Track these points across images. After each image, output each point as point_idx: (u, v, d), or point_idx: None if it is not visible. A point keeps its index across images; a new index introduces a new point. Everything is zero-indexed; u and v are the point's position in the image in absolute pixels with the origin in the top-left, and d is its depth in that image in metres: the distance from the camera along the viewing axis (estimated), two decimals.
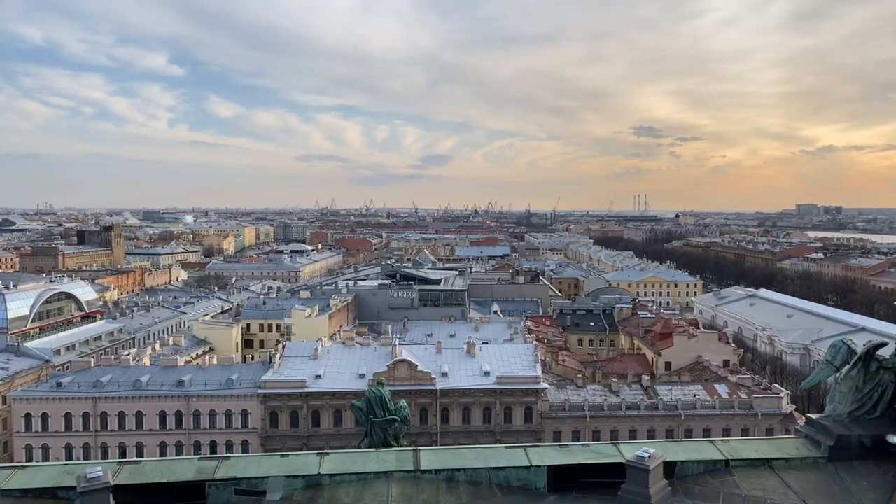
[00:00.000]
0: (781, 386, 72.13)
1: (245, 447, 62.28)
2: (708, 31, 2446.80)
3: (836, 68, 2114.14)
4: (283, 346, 70.45)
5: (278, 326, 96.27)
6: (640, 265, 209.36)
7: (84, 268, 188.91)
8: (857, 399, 13.92)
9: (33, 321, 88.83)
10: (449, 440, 61.40)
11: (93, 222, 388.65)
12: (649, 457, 11.54)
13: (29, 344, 79.81)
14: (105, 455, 61.21)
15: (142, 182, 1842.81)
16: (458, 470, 12.48)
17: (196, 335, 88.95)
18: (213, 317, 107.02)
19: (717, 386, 68.54)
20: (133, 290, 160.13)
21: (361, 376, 63.59)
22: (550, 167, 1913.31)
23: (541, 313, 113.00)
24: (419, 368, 64.55)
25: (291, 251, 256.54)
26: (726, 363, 79.71)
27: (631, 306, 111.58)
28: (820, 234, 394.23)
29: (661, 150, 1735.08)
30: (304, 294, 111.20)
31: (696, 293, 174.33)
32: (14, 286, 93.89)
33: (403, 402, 18.84)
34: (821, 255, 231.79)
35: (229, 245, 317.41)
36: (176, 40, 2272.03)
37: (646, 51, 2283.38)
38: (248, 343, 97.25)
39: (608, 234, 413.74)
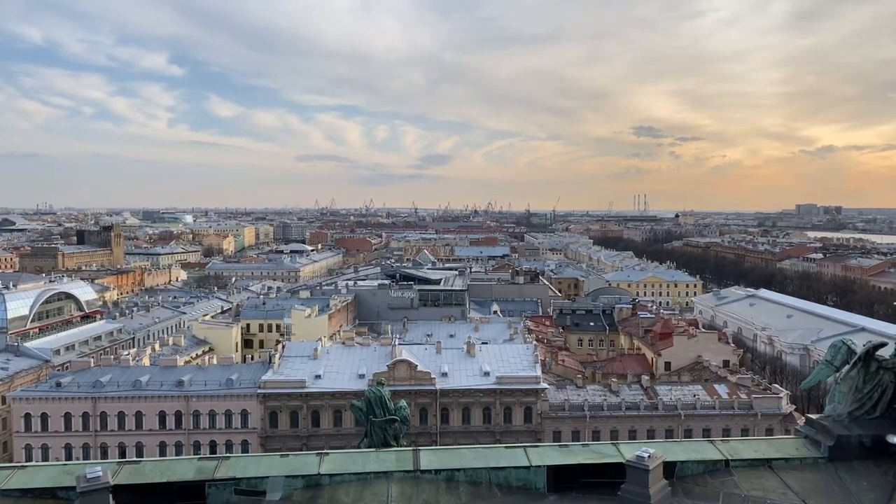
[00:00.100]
0: (781, 386, 72.14)
1: (245, 447, 62.27)
2: (708, 31, 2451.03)
3: (836, 68, 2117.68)
4: (283, 346, 70.45)
5: (278, 326, 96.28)
6: (640, 265, 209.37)
7: (84, 268, 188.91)
8: (856, 399, 13.92)
9: (33, 321, 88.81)
10: (449, 440, 61.40)
11: (92, 222, 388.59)
12: (649, 457, 11.53)
13: (28, 344, 79.79)
14: (105, 455, 61.19)
15: (141, 182, 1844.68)
16: (458, 470, 12.48)
17: (196, 335, 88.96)
18: (212, 317, 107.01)
19: (716, 386, 68.55)
20: (133, 290, 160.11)
21: (361, 376, 63.59)
22: (550, 167, 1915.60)
23: (540, 313, 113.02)
24: (419, 368, 64.55)
25: (291, 251, 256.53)
26: (726, 363, 79.73)
27: (631, 306, 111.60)
28: (820, 235, 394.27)
29: (661, 150, 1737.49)
30: (304, 294, 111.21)
31: (695, 293, 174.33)
32: (14, 286, 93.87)
33: (403, 402, 18.84)
34: (820, 256, 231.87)
35: (229, 245, 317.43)
36: (176, 40, 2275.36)
37: (646, 51, 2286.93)
38: (247, 343, 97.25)
39: (608, 234, 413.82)
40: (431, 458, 12.93)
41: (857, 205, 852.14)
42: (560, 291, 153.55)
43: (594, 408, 64.18)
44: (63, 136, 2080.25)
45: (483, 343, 72.91)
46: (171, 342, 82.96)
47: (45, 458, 59.69)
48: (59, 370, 71.19)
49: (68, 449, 61.48)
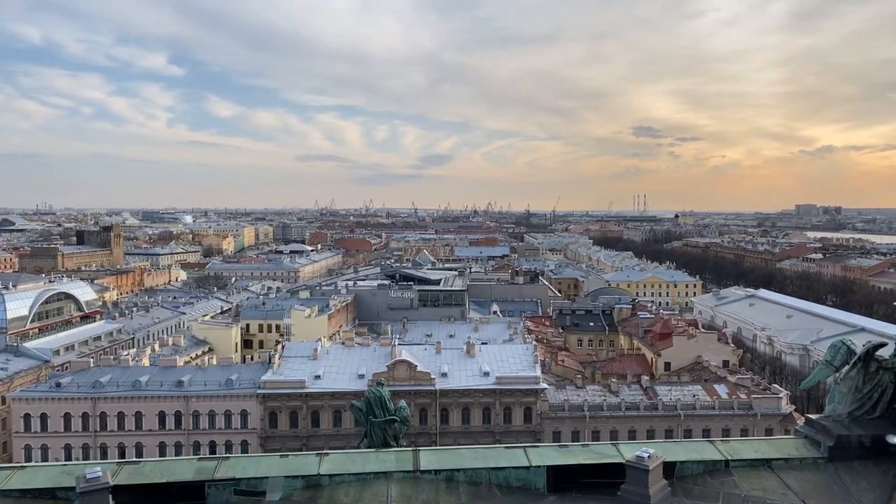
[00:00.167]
0: (781, 386, 72.18)
1: (244, 447, 62.26)
2: (708, 31, 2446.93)
3: (836, 68, 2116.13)
4: (283, 347, 70.45)
5: (278, 327, 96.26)
6: (640, 265, 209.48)
7: (83, 268, 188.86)
8: (856, 399, 13.93)
9: (32, 321, 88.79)
10: (448, 440, 61.40)
11: (92, 222, 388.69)
12: (649, 457, 11.53)
13: (28, 344, 79.77)
14: (104, 455, 61.18)
15: (141, 182, 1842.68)
16: (458, 470, 12.48)
17: (195, 335, 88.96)
18: (212, 317, 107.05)
19: (716, 386, 68.57)
20: (132, 291, 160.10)
21: (361, 376, 63.59)
22: (550, 167, 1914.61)
23: (540, 313, 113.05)
24: (419, 369, 64.56)
25: (291, 251, 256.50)
26: (725, 363, 79.75)
27: (630, 306, 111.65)
28: (819, 235, 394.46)
29: (661, 151, 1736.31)
30: (304, 294, 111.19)
31: (695, 293, 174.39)
32: (13, 286, 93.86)
33: (403, 403, 18.83)
34: (820, 256, 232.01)
35: (228, 245, 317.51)
36: (175, 40, 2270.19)
37: (646, 51, 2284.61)
38: (247, 343, 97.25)
39: (607, 235, 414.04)
40: (431, 458, 12.93)
41: (857, 205, 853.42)
42: (560, 292, 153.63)
43: (594, 408, 64.20)
44: (62, 136, 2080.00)
45: (483, 343, 72.92)
46: (170, 342, 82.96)
47: (45, 459, 59.66)
48: (58, 370, 71.16)
49: (68, 449, 61.46)
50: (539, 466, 12.45)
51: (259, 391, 63.16)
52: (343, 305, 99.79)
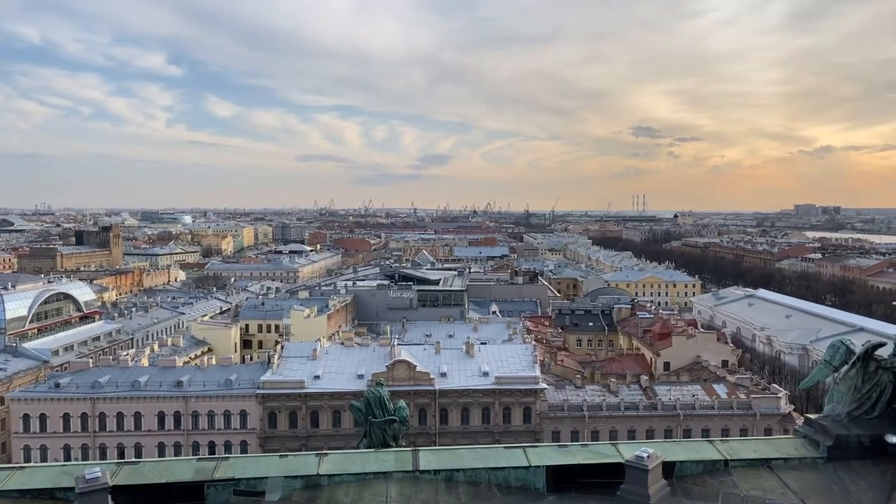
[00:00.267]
0: (780, 386, 72.18)
1: (244, 448, 62.24)
2: (707, 31, 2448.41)
3: (835, 68, 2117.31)
4: (282, 347, 70.44)
5: (277, 327, 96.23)
6: (639, 265, 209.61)
7: (82, 268, 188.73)
8: (855, 399, 13.93)
9: (31, 322, 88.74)
10: (448, 440, 61.41)
11: (91, 223, 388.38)
12: (648, 457, 11.54)
13: (27, 344, 79.73)
14: (103, 456, 61.16)
15: (140, 182, 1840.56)
16: (457, 470, 12.48)
17: (195, 336, 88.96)
18: (211, 317, 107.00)
19: (715, 386, 68.61)
20: (131, 291, 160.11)
21: (360, 377, 63.59)
22: (549, 167, 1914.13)
23: (539, 313, 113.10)
24: (418, 369, 64.56)
25: (290, 251, 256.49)
26: (725, 363, 79.84)
27: (629, 306, 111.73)
28: (818, 235, 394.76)
29: (660, 151, 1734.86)
30: (303, 294, 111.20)
31: (694, 293, 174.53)
32: (12, 287, 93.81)
33: (402, 403, 18.82)
34: (819, 256, 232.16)
35: (228, 245, 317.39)
36: (174, 40, 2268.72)
37: (645, 51, 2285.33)
38: (246, 343, 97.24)
39: (607, 235, 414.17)
40: (430, 458, 12.93)
41: (856, 205, 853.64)
42: (559, 292, 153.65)
43: (593, 408, 64.23)
44: (61, 136, 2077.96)
45: (482, 343, 72.94)
46: (169, 343, 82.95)
47: (44, 459, 59.64)
48: (57, 371, 71.13)
49: (67, 450, 61.44)
50: (538, 466, 12.45)
51: (258, 391, 63.15)
52: (342, 305, 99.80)
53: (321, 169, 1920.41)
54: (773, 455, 13.30)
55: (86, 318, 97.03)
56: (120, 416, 62.17)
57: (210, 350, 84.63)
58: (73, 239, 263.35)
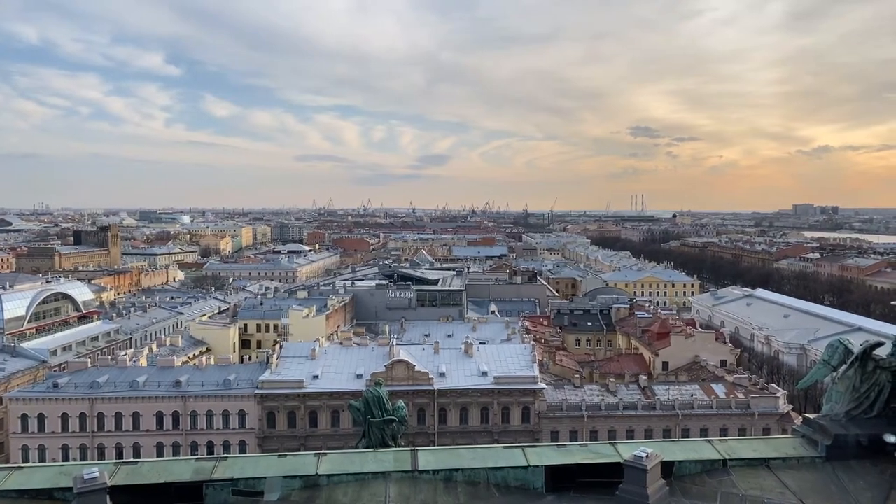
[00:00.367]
0: (778, 386, 72.28)
1: (242, 447, 62.20)
2: (706, 31, 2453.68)
3: (834, 68, 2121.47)
4: (281, 347, 70.38)
5: (276, 327, 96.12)
6: (638, 265, 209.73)
7: (81, 268, 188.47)
8: (854, 399, 13.94)
9: (30, 322, 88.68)
10: (447, 440, 61.40)
11: (89, 222, 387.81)
12: (647, 457, 11.53)
13: (25, 344, 79.62)
14: (102, 456, 61.10)
15: (138, 182, 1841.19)
16: (456, 470, 12.47)
17: (193, 335, 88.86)
18: (210, 317, 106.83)
19: (714, 386, 68.66)
20: (130, 291, 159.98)
21: (359, 376, 63.56)
22: (548, 167, 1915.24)
23: (538, 313, 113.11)
24: (417, 369, 64.54)
25: (289, 251, 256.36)
26: (723, 363, 79.92)
27: (628, 306, 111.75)
28: (816, 235, 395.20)
29: (659, 151, 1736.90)
30: (302, 294, 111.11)
31: (693, 293, 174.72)
32: (10, 286, 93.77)
33: (401, 403, 18.81)
34: (817, 255, 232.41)
35: (226, 245, 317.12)
36: (172, 40, 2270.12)
37: (644, 51, 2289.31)
38: (245, 343, 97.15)
39: (605, 235, 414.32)
40: (429, 458, 12.92)
41: (854, 205, 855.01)
42: (558, 291, 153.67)
43: (592, 408, 64.24)
44: (59, 136, 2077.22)
45: (481, 343, 72.95)
46: (168, 342, 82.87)
47: (42, 459, 59.60)
48: (55, 371, 71.04)
49: (65, 450, 61.37)
50: (537, 466, 12.45)
51: (257, 391, 63.10)
52: (341, 305, 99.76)
53: (320, 169, 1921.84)
54: (771, 455, 13.31)
55: (84, 318, 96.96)
56: (118, 416, 62.10)
57: (208, 350, 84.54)
58: (72, 239, 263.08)
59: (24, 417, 62.04)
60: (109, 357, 74.45)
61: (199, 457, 13.89)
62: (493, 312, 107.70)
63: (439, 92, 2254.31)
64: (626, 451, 12.35)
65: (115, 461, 12.86)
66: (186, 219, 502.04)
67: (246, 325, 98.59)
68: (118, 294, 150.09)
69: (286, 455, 13.30)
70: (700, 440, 14.17)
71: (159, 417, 62.40)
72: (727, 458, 13.02)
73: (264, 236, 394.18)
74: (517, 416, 64.30)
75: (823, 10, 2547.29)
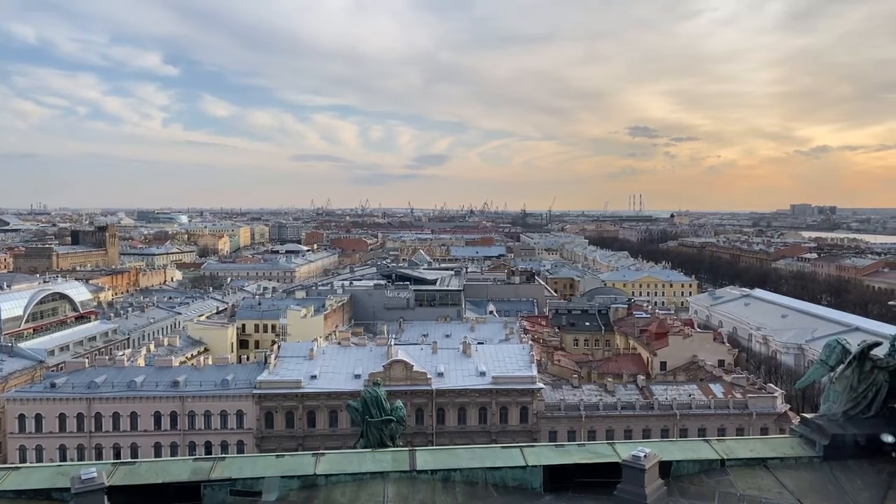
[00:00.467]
0: (776, 385, 72.40)
1: (240, 448, 62.15)
2: (704, 31, 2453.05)
3: (832, 68, 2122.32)
4: (279, 347, 70.37)
5: (274, 327, 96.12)
6: (636, 265, 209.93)
7: (78, 268, 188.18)
8: (851, 398, 13.97)
9: (27, 322, 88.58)
10: (445, 440, 61.39)
11: (87, 222, 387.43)
12: (645, 456, 11.54)
13: (23, 344, 79.51)
14: (99, 456, 61.00)
15: (136, 182, 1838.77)
16: (455, 470, 12.47)
17: (191, 335, 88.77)
18: (208, 317, 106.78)
19: (712, 385, 68.73)
20: (127, 291, 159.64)
21: (357, 376, 63.54)
22: (546, 167, 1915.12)
23: (536, 313, 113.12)
24: (415, 369, 64.53)
25: (287, 251, 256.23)
26: (721, 363, 79.98)
27: (626, 306, 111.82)
28: (814, 235, 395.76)
29: (657, 151, 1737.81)
30: (300, 294, 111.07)
31: (691, 293, 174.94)
32: (8, 286, 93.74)
33: (399, 403, 18.80)
34: (815, 256, 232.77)
35: (224, 245, 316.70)
36: (170, 40, 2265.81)
37: (643, 51, 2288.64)
38: (243, 343, 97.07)
39: (603, 235, 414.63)
40: (428, 458, 12.92)
41: (852, 205, 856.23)
42: (556, 291, 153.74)
43: (590, 407, 64.28)
44: (57, 136, 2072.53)
45: (479, 343, 72.97)
46: (166, 343, 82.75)
47: (40, 460, 59.50)
48: (53, 371, 70.95)
49: (63, 450, 61.26)
50: (535, 466, 12.46)
51: (255, 391, 63.06)
52: (339, 305, 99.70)
53: (317, 169, 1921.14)
54: (769, 454, 13.34)
55: (82, 318, 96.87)
56: (116, 417, 62.00)
57: (206, 350, 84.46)
58: (69, 239, 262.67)
59: (22, 417, 61.92)
60: (107, 357, 74.36)
61: (196, 457, 13.88)
62: (491, 312, 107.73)
63: (437, 92, 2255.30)
64: (624, 451, 12.37)
65: (112, 461, 12.84)
66: (184, 219, 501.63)
67: (244, 325, 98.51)
68: (116, 294, 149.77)
69: (284, 455, 13.30)
70: (698, 440, 14.19)
71: (157, 417, 62.33)
72: (725, 457, 13.04)
73: (262, 236, 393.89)
74: (515, 416, 64.33)
75: (821, 10, 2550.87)
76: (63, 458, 59.29)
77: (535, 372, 65.88)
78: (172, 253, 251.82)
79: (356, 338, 77.83)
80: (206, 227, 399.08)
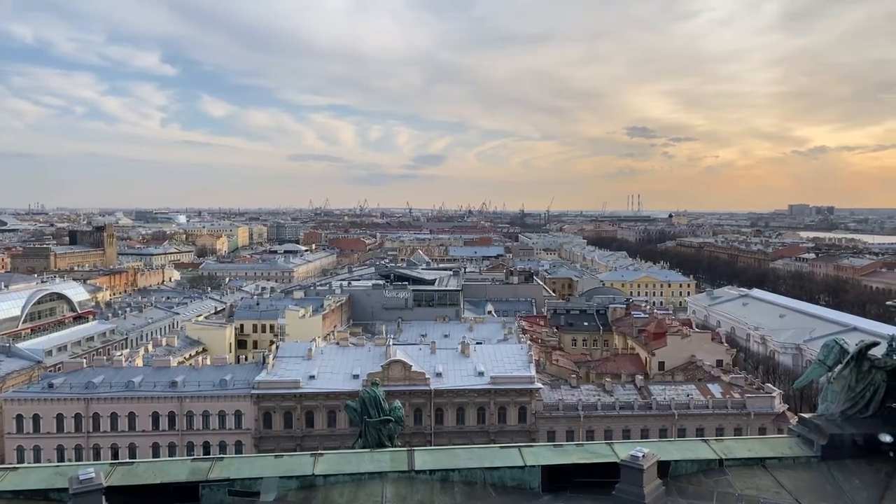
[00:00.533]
0: (774, 385, 72.45)
1: (238, 448, 62.08)
2: (703, 32, 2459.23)
3: (829, 68, 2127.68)
4: (277, 347, 70.31)
5: (272, 327, 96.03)
6: (634, 265, 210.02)
7: (76, 268, 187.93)
8: (849, 398, 13.99)
9: (25, 322, 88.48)
10: (443, 440, 61.38)
11: (85, 222, 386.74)
12: (643, 456, 11.56)
13: (20, 345, 79.40)
14: (97, 456, 60.88)
15: (134, 182, 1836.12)
16: (453, 470, 12.48)
17: (189, 336, 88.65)
18: (206, 317, 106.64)
19: (710, 385, 68.78)
20: (125, 291, 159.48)
21: (355, 377, 63.52)
22: (544, 167, 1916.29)
23: (535, 313, 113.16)
24: (413, 369, 64.52)
25: (285, 251, 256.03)
26: (719, 363, 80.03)
27: (624, 306, 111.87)
28: (812, 235, 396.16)
29: (655, 151, 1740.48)
30: (298, 294, 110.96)
31: (689, 293, 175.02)
32: (5, 287, 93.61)
33: (398, 403, 18.79)
34: (813, 256, 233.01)
35: (222, 245, 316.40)
36: (168, 39, 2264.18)
37: (641, 51, 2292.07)
38: (241, 343, 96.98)
39: (602, 235, 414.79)
40: (426, 458, 12.92)
41: (849, 205, 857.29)
42: (554, 291, 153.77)
43: (588, 407, 64.31)
44: (55, 136, 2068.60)
45: (477, 343, 72.97)
46: (164, 343, 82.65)
47: (37, 460, 59.39)
48: (51, 371, 70.84)
49: (60, 450, 61.16)
50: (534, 466, 12.47)
51: (253, 391, 63.00)
52: (337, 305, 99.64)
53: (316, 169, 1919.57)
54: (767, 454, 13.35)
55: (79, 318, 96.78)
56: (114, 417, 61.90)
57: (204, 350, 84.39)
58: (67, 239, 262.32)
59: (20, 418, 61.80)
60: (105, 357, 74.26)
61: (195, 457, 13.86)
62: (489, 312, 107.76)
63: (436, 92, 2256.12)
64: (622, 451, 12.38)
65: (110, 462, 12.84)
66: (182, 219, 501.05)
67: (242, 326, 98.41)
68: (114, 294, 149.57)
69: (282, 455, 13.30)
70: (696, 440, 14.21)
71: (155, 418, 62.24)
72: (723, 457, 13.05)
73: (260, 236, 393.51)
74: (514, 416, 64.33)
75: (819, 11, 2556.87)
76: (61, 459, 59.17)
77: (533, 372, 65.90)
78: (170, 253, 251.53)
79: (354, 338, 77.77)
80: (204, 227, 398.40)
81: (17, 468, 12.49)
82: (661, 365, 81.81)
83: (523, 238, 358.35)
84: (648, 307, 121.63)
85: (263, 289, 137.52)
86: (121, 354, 72.02)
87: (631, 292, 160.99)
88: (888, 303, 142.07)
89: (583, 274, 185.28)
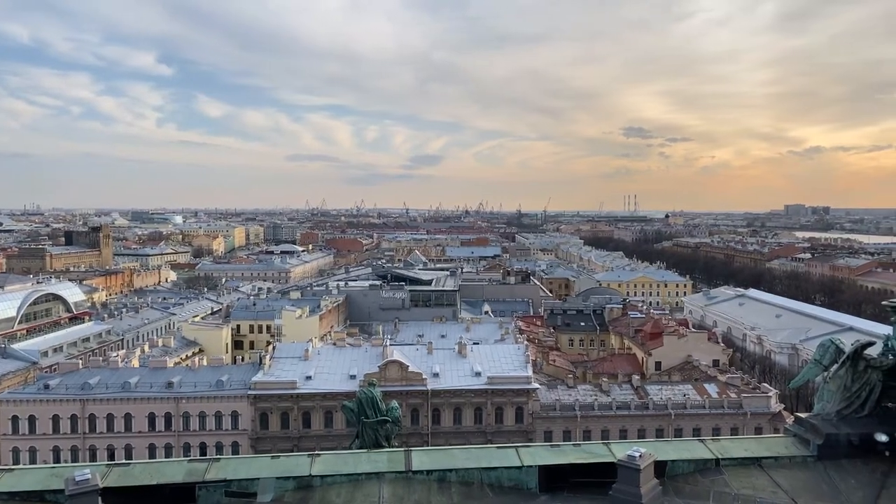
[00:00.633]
0: (770, 385, 72.66)
1: (235, 449, 61.98)
2: (698, 32, 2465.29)
3: (825, 69, 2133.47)
4: (274, 347, 70.22)
5: (268, 327, 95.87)
6: (630, 265, 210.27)
7: (72, 269, 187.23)
8: (845, 398, 14.03)
9: (20, 322, 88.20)
10: (440, 441, 61.38)
11: (81, 223, 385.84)
12: (640, 456, 11.58)
13: (16, 345, 79.18)
14: (93, 457, 60.65)
15: (130, 182, 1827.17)
16: (450, 470, 12.49)
17: (185, 336, 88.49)
18: (202, 318, 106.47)
19: (706, 385, 68.91)
20: (122, 292, 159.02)
21: (352, 377, 63.48)
22: (541, 167, 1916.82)
23: (532, 313, 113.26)
24: (410, 369, 64.50)
25: (282, 252, 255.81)
26: (716, 363, 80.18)
27: (621, 306, 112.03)
28: (808, 235, 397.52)
29: (651, 151, 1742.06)
30: (295, 295, 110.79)
31: (685, 293, 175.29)
32: (1, 287, 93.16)
33: (395, 403, 18.79)
34: (809, 256, 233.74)
35: (219, 246, 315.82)
36: (164, 39, 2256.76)
37: (638, 51, 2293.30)
38: (238, 344, 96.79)
39: (598, 235, 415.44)
40: (423, 458, 12.93)
41: (845, 205, 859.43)
42: (551, 291, 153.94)
43: (585, 408, 64.39)
44: (51, 136, 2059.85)
45: (474, 343, 72.97)
46: (160, 343, 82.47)
47: (33, 461, 59.22)
48: (46, 372, 70.63)
49: (56, 451, 60.96)
50: (531, 466, 12.48)
51: (250, 392, 62.90)
52: (334, 306, 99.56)
53: (312, 169, 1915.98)
54: (763, 454, 13.39)
55: (75, 319, 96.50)
56: (110, 418, 61.73)
57: (201, 351, 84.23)
58: (63, 239, 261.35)
59: (15, 419, 61.60)
60: (101, 358, 74.06)
61: (191, 458, 13.85)
62: (486, 313, 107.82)
63: (432, 92, 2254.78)
64: (619, 451, 12.40)
65: (106, 463, 12.81)
66: (179, 219, 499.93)
67: (239, 326, 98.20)
68: (110, 295, 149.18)
69: (279, 456, 13.30)
70: (693, 440, 14.24)
71: (151, 419, 62.09)
72: (720, 457, 13.09)
73: (257, 237, 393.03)
74: (511, 416, 64.36)
75: (815, 11, 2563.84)
76: (57, 460, 59.05)
77: (530, 372, 65.93)
78: (167, 253, 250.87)
79: (351, 338, 77.74)
80: (200, 227, 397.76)
81: (13, 469, 12.46)
82: (658, 365, 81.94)
83: (520, 238, 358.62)
84: (645, 307, 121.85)
85: (260, 289, 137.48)
86: (117, 355, 71.79)
87: (627, 292, 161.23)
88: (884, 302, 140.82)
89: (579, 274, 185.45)
